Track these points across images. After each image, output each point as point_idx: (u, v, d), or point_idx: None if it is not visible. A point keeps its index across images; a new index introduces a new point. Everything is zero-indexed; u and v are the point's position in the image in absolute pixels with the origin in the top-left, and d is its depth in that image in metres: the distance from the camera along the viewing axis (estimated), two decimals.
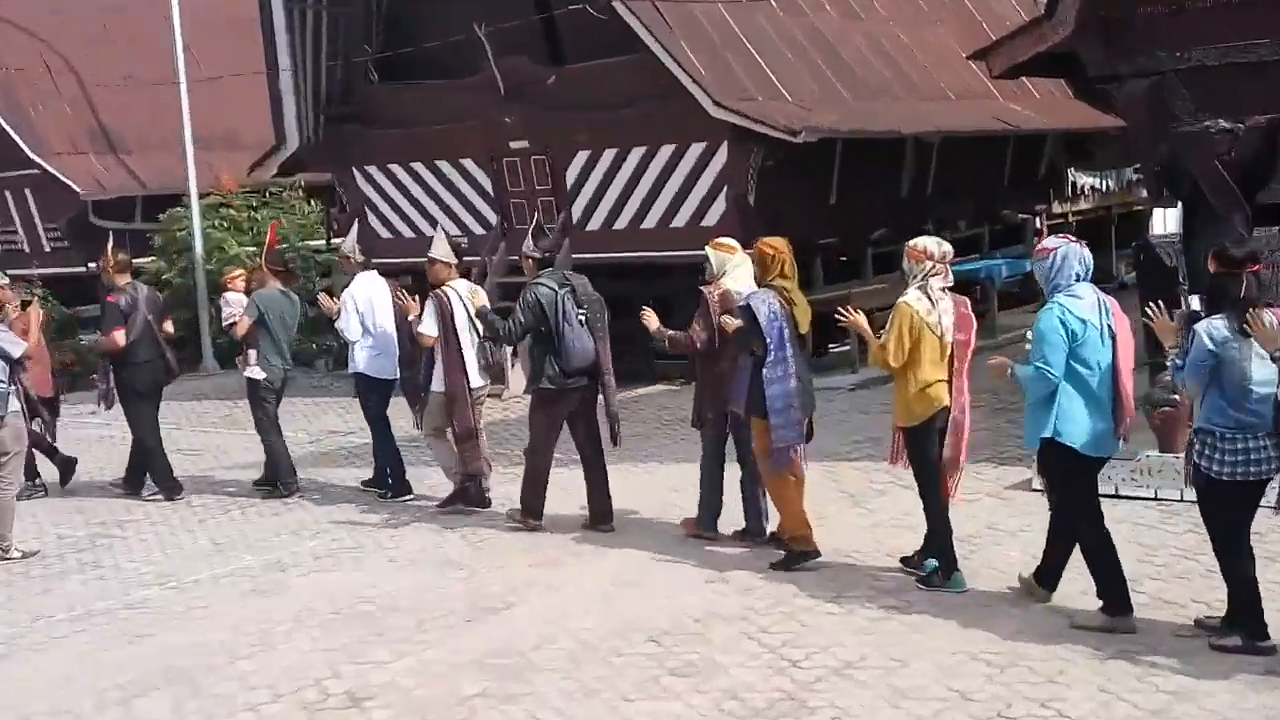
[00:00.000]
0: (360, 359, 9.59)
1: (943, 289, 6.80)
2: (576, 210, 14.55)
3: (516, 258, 14.66)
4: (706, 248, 7.89)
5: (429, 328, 8.86)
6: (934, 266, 6.78)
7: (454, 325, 8.81)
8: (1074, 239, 6.35)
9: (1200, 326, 5.81)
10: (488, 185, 15.14)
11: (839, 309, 7.31)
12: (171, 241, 18.76)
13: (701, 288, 7.85)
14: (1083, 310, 6.16)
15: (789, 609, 6.69)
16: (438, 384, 8.92)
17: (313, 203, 19.72)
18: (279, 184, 19.04)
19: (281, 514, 9.37)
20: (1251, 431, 5.70)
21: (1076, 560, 7.01)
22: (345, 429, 11.59)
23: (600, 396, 8.36)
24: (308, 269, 17.97)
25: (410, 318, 9.09)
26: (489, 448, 9.35)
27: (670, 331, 7.93)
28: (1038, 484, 7.30)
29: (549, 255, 8.55)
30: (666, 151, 13.77)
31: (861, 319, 7.06)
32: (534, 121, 14.46)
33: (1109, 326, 6.20)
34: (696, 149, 13.56)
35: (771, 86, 13.86)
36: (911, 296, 6.77)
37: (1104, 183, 19.35)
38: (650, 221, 14.02)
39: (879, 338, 6.83)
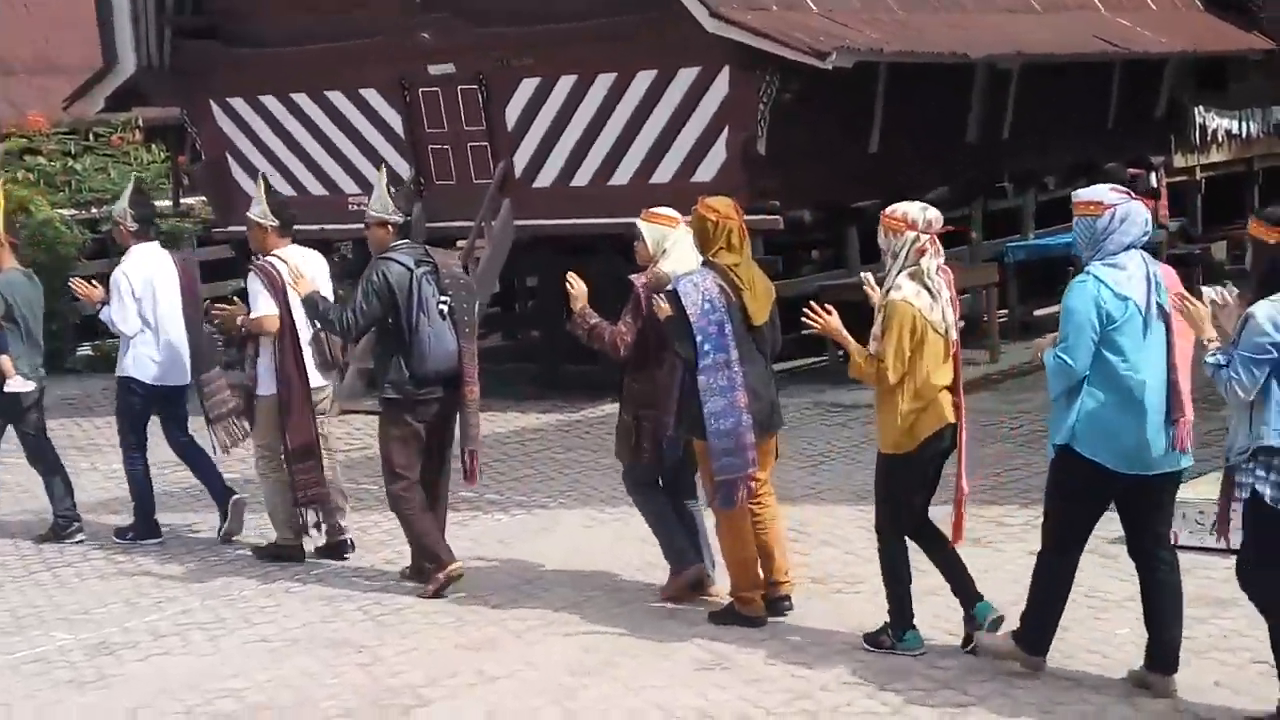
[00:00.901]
0: (129, 359, 9.88)
1: (939, 270, 7.01)
2: (520, 160, 14.55)
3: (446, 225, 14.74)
4: (639, 220, 8.08)
5: (266, 306, 9.07)
6: (918, 240, 6.98)
7: (287, 305, 9.03)
8: (1135, 196, 6.55)
9: (1260, 310, 5.98)
10: (397, 125, 15.13)
11: (806, 307, 7.38)
12: None
13: (632, 276, 8.00)
14: (1124, 285, 6.36)
15: (812, 706, 6.70)
16: (267, 385, 9.13)
17: (155, 148, 19.68)
18: (108, 122, 18.95)
19: (108, 576, 9.34)
20: None
21: (1212, 639, 7.04)
22: None
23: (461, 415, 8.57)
24: None
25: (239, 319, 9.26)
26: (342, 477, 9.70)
27: (594, 319, 8.02)
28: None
29: (408, 220, 8.72)
30: (645, 80, 13.79)
31: (835, 321, 7.23)
32: (461, 37, 14.45)
33: (1160, 306, 6.39)
34: (687, 77, 13.59)
35: None
36: (909, 291, 6.97)
37: (1244, 126, 19.49)
38: (622, 176, 14.04)
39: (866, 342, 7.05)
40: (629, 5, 13.55)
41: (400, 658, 7.60)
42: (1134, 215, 6.44)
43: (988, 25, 15.47)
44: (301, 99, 15.64)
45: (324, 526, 9.33)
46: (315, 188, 15.62)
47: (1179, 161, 18.70)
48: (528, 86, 14.34)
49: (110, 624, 8.40)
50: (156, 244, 10.20)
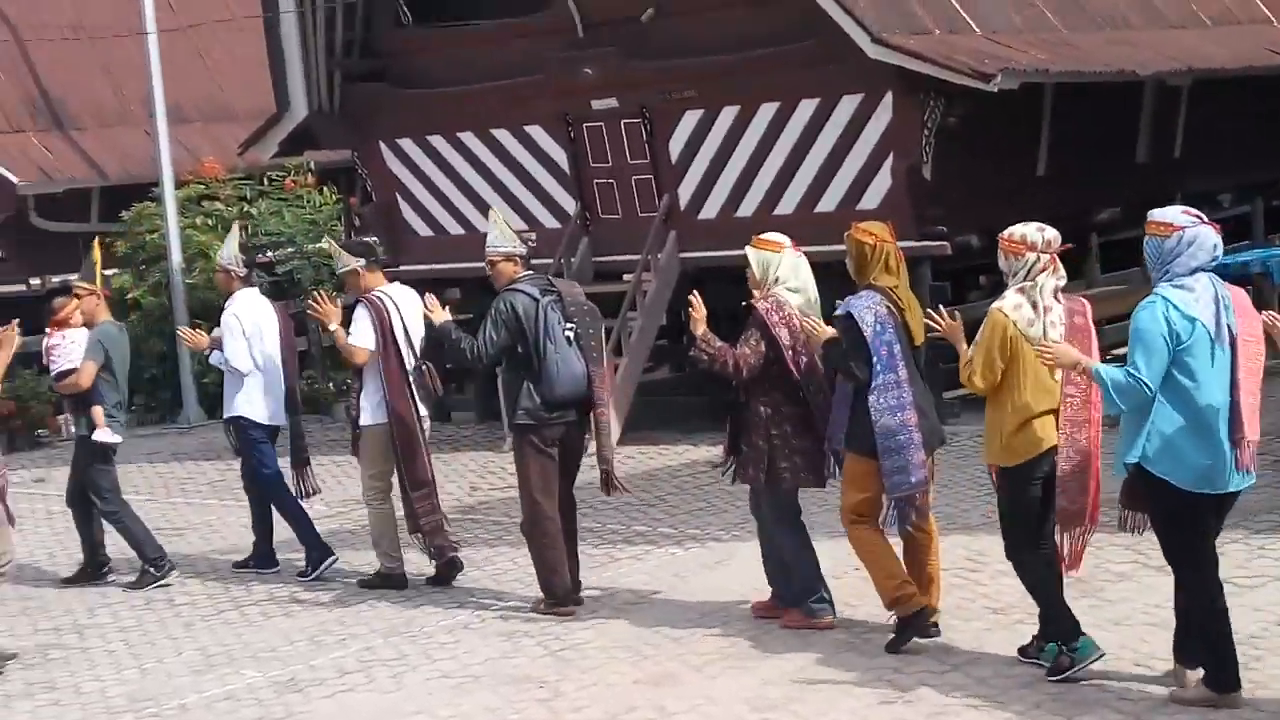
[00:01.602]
0: (240, 400, 10.25)
1: (1054, 291, 7.05)
2: (684, 192, 14.61)
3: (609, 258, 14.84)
4: (747, 248, 8.28)
5: (363, 338, 9.38)
6: (1039, 260, 7.03)
7: (394, 339, 9.38)
8: (1206, 219, 6.53)
9: None
10: (562, 161, 15.29)
11: (928, 311, 7.54)
12: (139, 248, 19.13)
13: (755, 302, 8.15)
14: (1192, 307, 6.40)
15: None
16: (375, 415, 9.45)
17: (326, 190, 20.02)
18: (281, 166, 19.35)
19: (294, 614, 9.52)
20: None
21: None
22: None
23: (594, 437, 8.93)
24: (319, 282, 18.23)
25: (331, 326, 9.60)
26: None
27: (718, 343, 8.12)
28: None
29: (529, 253, 9.10)
30: (808, 109, 13.79)
31: (958, 327, 7.30)
32: (624, 72, 14.56)
33: (1229, 328, 6.42)
34: (850, 104, 13.56)
35: (954, 15, 13.81)
36: (1009, 303, 7.03)
37: None
38: (786, 205, 14.04)
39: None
40: (790, 34, 13.56)
41: (581, 693, 7.63)
42: (1202, 239, 6.47)
43: (1154, 41, 15.21)
44: (468, 138, 15.88)
45: (433, 551, 9.63)
46: (483, 225, 15.77)
47: None
48: (690, 119, 14.41)
49: (297, 661, 8.55)
50: (257, 290, 10.62)
